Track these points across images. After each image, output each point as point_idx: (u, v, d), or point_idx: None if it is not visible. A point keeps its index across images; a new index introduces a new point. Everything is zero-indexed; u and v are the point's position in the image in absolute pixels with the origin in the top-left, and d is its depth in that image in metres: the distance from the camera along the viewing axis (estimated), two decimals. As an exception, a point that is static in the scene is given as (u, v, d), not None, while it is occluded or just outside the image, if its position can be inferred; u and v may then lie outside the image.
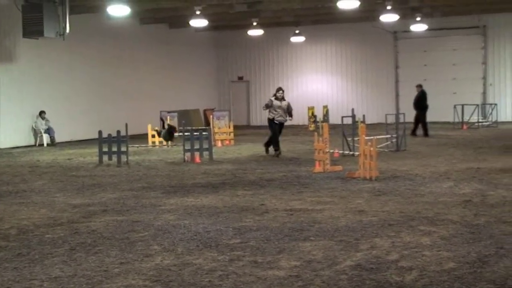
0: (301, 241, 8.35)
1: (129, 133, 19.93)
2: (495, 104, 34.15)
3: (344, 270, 6.98)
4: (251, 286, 6.46)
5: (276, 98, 19.85)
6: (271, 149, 20.01)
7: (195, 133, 19.19)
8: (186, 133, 19.38)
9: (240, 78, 41.14)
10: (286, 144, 23.73)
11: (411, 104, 27.86)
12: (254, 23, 32.63)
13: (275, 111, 19.75)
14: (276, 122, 19.79)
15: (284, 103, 19.85)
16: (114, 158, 18.67)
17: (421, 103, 27.19)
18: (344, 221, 9.54)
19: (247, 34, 35.40)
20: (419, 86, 27.86)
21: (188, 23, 30.33)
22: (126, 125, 19.49)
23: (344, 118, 20.49)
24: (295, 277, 6.75)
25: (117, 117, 28.90)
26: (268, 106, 19.85)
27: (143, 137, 26.15)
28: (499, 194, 11.69)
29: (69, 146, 25.84)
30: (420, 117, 26.91)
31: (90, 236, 8.90)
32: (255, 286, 6.46)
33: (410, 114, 27.55)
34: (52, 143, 26.61)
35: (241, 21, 34.07)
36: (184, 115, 31.14)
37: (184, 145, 19.13)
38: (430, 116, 34.60)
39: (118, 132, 18.88)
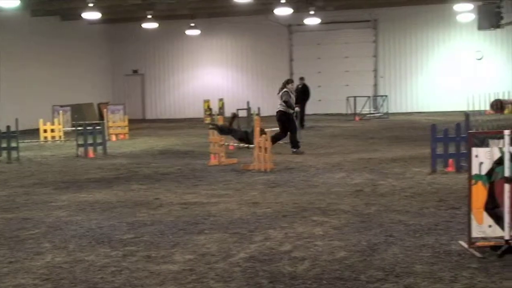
0: (195, 235, 8.34)
1: (20, 128, 19.40)
2: (386, 96, 35.09)
3: (238, 262, 7.02)
4: (144, 282, 6.41)
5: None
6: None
7: (88, 128, 18.86)
8: (79, 128, 19.01)
9: (135, 72, 40.70)
10: (181, 138, 23.68)
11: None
12: (149, 16, 32.32)
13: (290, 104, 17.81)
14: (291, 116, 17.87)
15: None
16: (4, 154, 18.11)
17: (304, 95, 27.36)
18: (239, 214, 9.58)
19: (142, 27, 35.05)
20: (302, 78, 28.12)
21: (81, 16, 29.75)
22: (16, 120, 18.95)
23: (239, 111, 20.58)
24: (189, 270, 6.74)
25: (8, 111, 28.07)
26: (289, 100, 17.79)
27: (35, 132, 25.49)
28: (389, 184, 12.01)
29: (-44, 143, 24.89)
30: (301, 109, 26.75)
31: (-23, 235, 8.61)
32: (148, 281, 6.41)
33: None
34: None
35: (135, 13, 33.69)
36: (78, 110, 30.57)
37: (77, 140, 18.78)
38: (324, 108, 35.48)
39: (8, 127, 18.32)
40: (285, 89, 17.86)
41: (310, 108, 33.04)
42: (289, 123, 17.71)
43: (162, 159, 17.18)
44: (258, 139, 14.41)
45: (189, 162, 16.25)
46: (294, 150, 17.52)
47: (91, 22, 35.56)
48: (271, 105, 35.32)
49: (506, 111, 28.55)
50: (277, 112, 17.91)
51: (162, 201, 10.82)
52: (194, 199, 10.93)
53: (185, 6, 31.96)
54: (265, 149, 14.10)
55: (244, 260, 7.10)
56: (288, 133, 17.74)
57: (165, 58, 40.11)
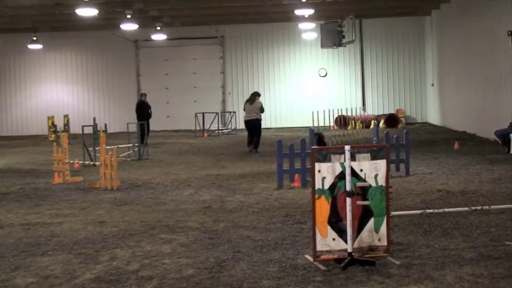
0: (38, 256, 8.04)
1: None
2: (234, 112, 35.44)
3: (83, 283, 6.83)
4: (-19, 308, 6.10)
5: None
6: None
7: None
8: None
9: (-26, 87, 38.94)
10: (24, 156, 22.87)
11: (156, 113, 27.91)
12: (-13, 29, 31.07)
13: None
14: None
15: None
16: None
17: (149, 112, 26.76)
18: (84, 233, 9.34)
19: (-20, 40, 33.63)
20: (145, 95, 27.62)
21: None
22: None
23: (85, 128, 20.14)
24: (31, 295, 6.48)
25: None
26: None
27: None
28: (237, 200, 12.10)
29: None
30: (146, 126, 25.42)
31: None
32: (-14, 308, 6.11)
33: (153, 123, 27.76)
34: None
35: (-27, 26, 32.28)
36: None
37: None
38: (172, 125, 35.47)
39: None
40: (259, 100, 22.44)
41: (159, 124, 32.99)
42: (260, 129, 22.30)
43: (2, 178, 16.47)
44: (103, 156, 14.15)
45: (32, 181, 15.69)
46: (256, 150, 21.71)
47: None
48: (117, 121, 34.98)
49: (349, 127, 29.59)
50: (254, 119, 22.11)
51: (2, 222, 10.37)
52: (37, 220, 10.56)
53: (27, 19, 30.95)
54: (112, 166, 13.86)
55: (90, 281, 6.91)
56: (255, 137, 22.07)
57: (6, 73, 38.61)
